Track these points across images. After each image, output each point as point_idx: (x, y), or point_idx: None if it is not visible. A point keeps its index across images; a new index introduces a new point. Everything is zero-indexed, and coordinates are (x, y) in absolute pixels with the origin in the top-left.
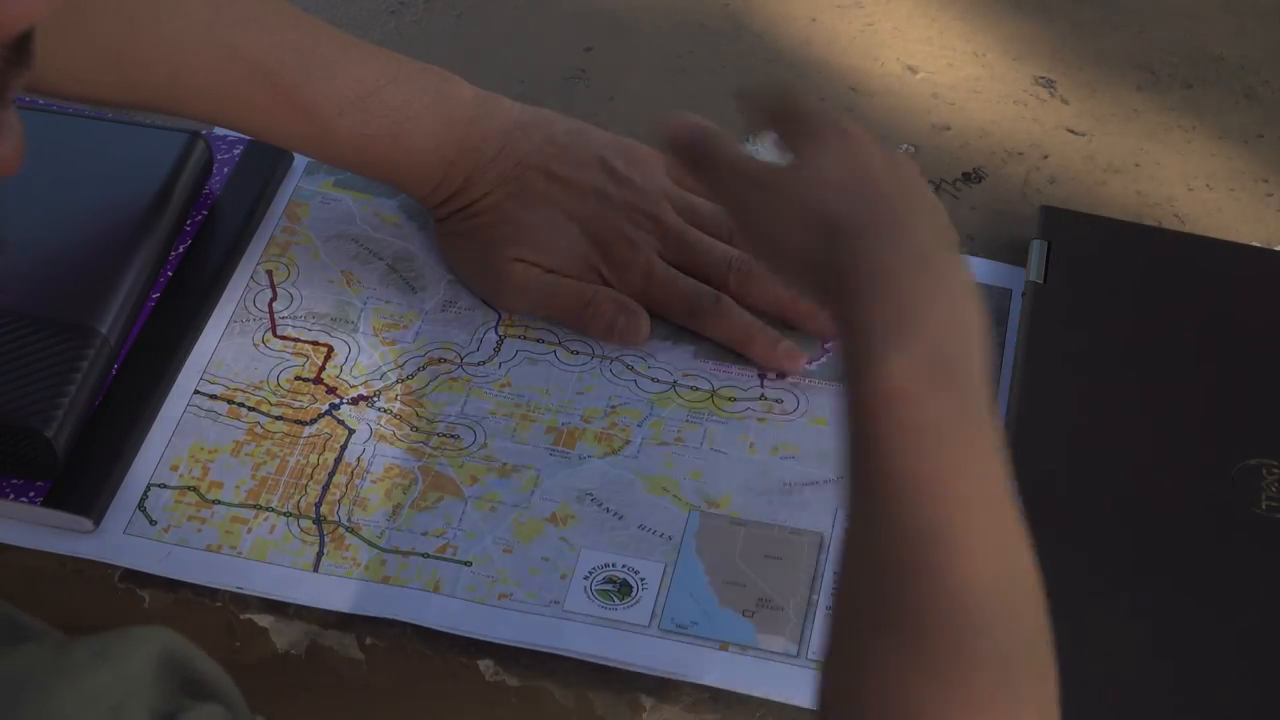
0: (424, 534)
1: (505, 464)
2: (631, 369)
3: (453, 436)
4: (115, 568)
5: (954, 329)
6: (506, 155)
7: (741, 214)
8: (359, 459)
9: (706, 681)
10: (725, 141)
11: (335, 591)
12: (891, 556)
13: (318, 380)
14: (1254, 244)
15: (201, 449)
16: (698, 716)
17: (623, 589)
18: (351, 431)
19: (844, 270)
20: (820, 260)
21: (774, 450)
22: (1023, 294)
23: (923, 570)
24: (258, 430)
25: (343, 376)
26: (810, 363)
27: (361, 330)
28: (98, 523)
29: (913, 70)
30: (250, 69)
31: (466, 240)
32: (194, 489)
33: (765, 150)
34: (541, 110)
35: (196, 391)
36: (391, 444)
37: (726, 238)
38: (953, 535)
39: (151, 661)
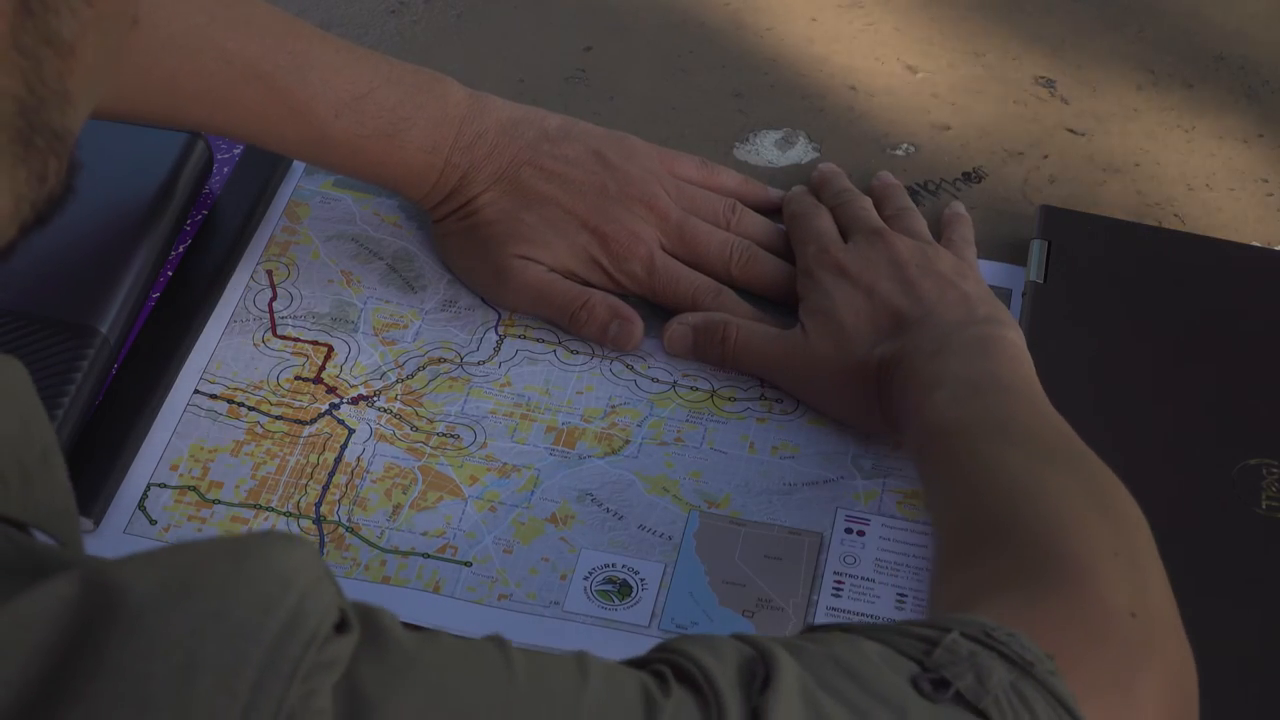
0: (424, 534)
1: (505, 464)
2: (631, 369)
3: (453, 436)
4: None
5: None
6: (500, 153)
7: None
8: (359, 459)
9: None
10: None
11: None
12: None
13: (318, 380)
14: (1254, 244)
15: (201, 449)
16: None
17: (623, 589)
18: (351, 431)
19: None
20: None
21: (774, 450)
22: (1023, 294)
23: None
24: (258, 430)
25: (343, 376)
26: None
27: (361, 330)
28: (98, 522)
29: (913, 70)
30: (245, 72)
31: (465, 240)
32: (194, 489)
33: (765, 149)
34: (531, 108)
35: (196, 391)
36: (391, 444)
37: (724, 224)
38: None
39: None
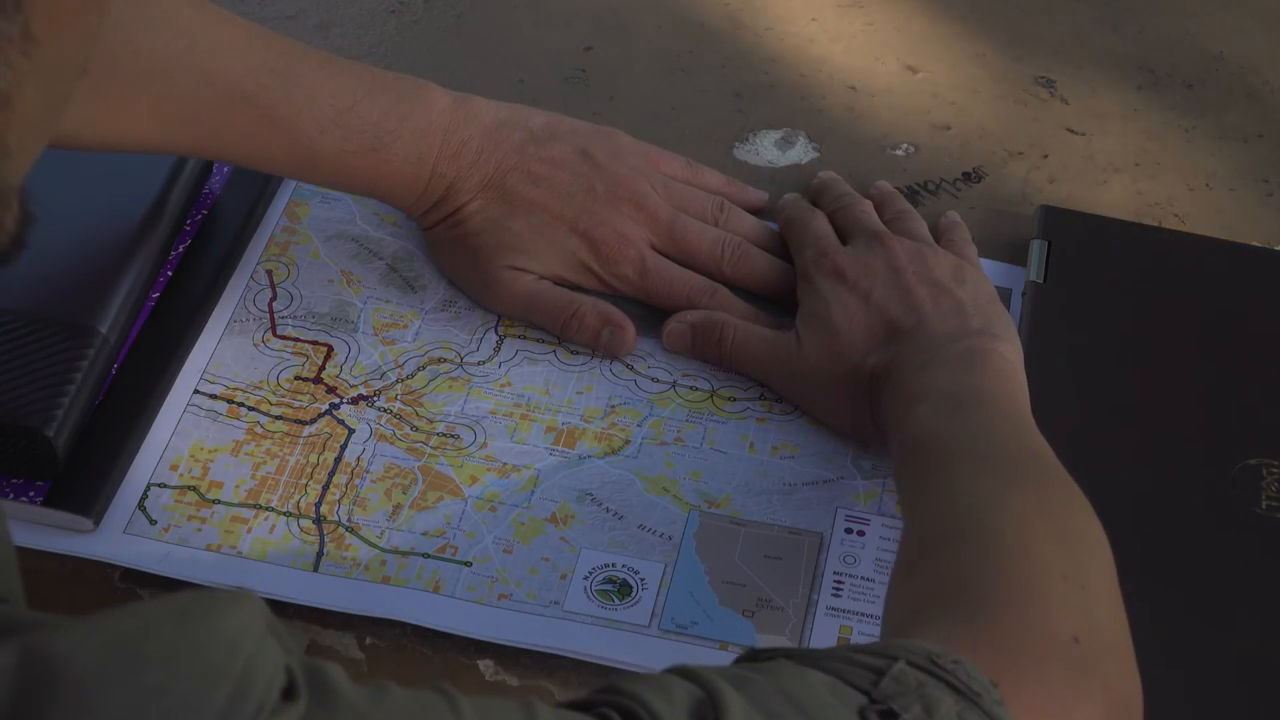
0: (424, 534)
1: (505, 464)
2: (631, 369)
3: (453, 436)
4: (115, 567)
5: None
6: (486, 159)
7: None
8: (359, 459)
9: None
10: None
11: (335, 591)
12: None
13: (318, 380)
14: (1254, 244)
15: (201, 449)
16: None
17: (623, 589)
18: (351, 431)
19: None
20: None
21: (774, 450)
22: (1023, 294)
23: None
24: (258, 430)
25: (343, 376)
26: None
27: (361, 330)
28: (98, 522)
29: (913, 70)
30: (229, 93)
31: (456, 248)
32: (194, 489)
33: (765, 149)
34: (517, 106)
35: (196, 391)
36: (391, 444)
37: (713, 222)
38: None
39: (268, 613)
